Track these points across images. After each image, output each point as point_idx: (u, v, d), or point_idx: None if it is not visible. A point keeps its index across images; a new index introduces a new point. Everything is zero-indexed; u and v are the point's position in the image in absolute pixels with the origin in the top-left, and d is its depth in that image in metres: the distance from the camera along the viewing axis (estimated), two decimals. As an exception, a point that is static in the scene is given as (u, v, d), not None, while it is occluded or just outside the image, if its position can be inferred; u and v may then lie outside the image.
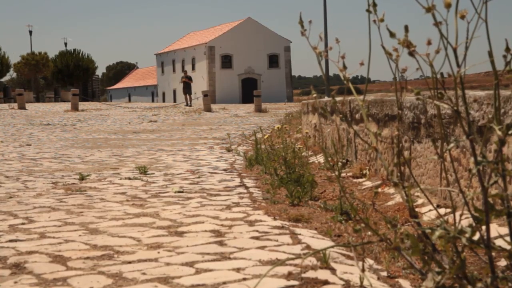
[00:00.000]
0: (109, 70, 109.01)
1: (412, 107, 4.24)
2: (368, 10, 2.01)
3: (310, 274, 2.32)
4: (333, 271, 2.36)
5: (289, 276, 2.29)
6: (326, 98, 8.63)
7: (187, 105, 31.54)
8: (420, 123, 4.10)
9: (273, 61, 59.45)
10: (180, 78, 34.88)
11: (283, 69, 59.76)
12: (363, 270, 1.94)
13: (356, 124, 5.74)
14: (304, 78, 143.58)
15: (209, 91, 30.18)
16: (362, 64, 2.17)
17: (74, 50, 60.83)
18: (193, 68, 60.91)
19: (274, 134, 5.40)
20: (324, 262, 2.42)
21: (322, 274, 2.31)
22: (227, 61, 58.51)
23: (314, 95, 2.05)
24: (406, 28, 1.77)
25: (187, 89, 32.78)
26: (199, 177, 5.67)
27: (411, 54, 1.75)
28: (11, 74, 59.39)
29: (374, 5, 2.00)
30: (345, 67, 2.06)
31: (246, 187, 4.98)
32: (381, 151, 4.93)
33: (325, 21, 32.99)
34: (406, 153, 4.36)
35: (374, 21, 2.04)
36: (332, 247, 1.87)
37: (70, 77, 57.91)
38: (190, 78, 33.86)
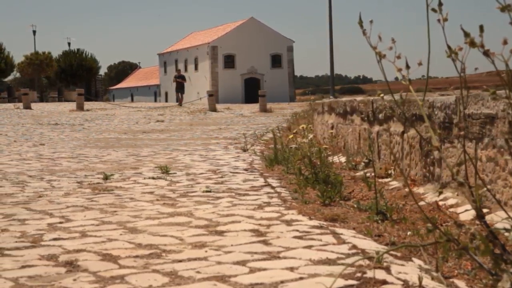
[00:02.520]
0: (110, 69, 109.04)
1: (443, 107, 4.23)
2: (433, 10, 2.01)
3: (366, 273, 2.32)
4: (388, 270, 2.37)
5: (345, 275, 2.29)
6: (343, 98, 8.61)
7: (180, 104, 31.18)
8: (452, 123, 4.10)
9: (276, 61, 59.46)
10: (173, 78, 34.40)
11: (286, 69, 59.77)
12: (437, 270, 1.94)
13: (380, 125, 5.74)
14: (305, 78, 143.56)
15: (212, 91, 30.09)
16: (420, 64, 2.17)
17: (78, 49, 60.94)
18: (195, 68, 60.96)
19: (299, 134, 5.40)
20: (378, 262, 2.42)
21: (378, 274, 2.31)
22: (230, 61, 58.52)
23: (381, 95, 2.05)
24: (481, 28, 1.78)
25: (180, 88, 32.45)
26: (222, 177, 5.67)
27: (486, 54, 1.76)
28: (15, 74, 59.46)
29: (440, 4, 2.00)
30: (408, 67, 2.06)
31: (272, 187, 4.98)
32: (409, 151, 4.93)
33: (330, 20, 33.00)
34: (436, 153, 4.36)
35: (439, 20, 2.04)
36: (400, 247, 1.87)
37: (73, 77, 57.96)
38: (183, 78, 33.56)
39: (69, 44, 64.69)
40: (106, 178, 5.50)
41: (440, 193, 2.62)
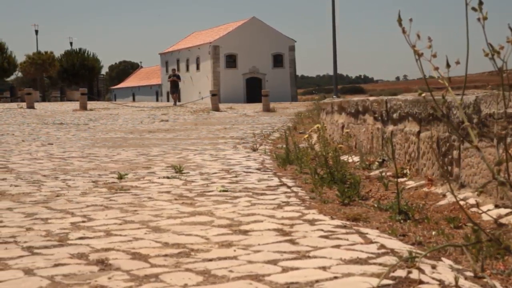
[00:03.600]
0: (111, 69, 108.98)
1: (462, 106, 4.22)
2: (473, 8, 2.01)
3: (400, 273, 2.32)
4: (421, 270, 2.36)
5: (380, 275, 2.29)
6: (354, 98, 8.59)
7: (174, 104, 30.99)
8: (472, 122, 4.09)
9: (277, 60, 59.48)
10: (168, 76, 34.03)
11: (288, 68, 59.79)
12: (482, 270, 1.93)
13: (394, 124, 5.73)
14: (307, 77, 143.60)
15: (215, 90, 30.04)
16: (458, 62, 2.17)
17: (80, 49, 60.96)
18: (197, 68, 60.98)
19: (313, 133, 5.40)
20: (411, 262, 2.41)
21: (413, 274, 2.31)
22: (231, 61, 58.54)
23: (423, 94, 2.05)
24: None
25: (174, 88, 32.10)
26: (236, 176, 5.67)
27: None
28: (17, 74, 59.48)
29: (480, 3, 2.00)
30: (448, 65, 2.06)
31: (288, 186, 4.98)
32: (425, 151, 4.93)
33: (333, 20, 32.97)
34: (455, 153, 4.35)
35: (479, 19, 2.04)
36: (445, 246, 1.86)
37: (75, 77, 57.98)
38: (178, 77, 33.27)
39: (71, 43, 64.60)
40: (120, 177, 5.50)
41: (481, 192, 2.61)
